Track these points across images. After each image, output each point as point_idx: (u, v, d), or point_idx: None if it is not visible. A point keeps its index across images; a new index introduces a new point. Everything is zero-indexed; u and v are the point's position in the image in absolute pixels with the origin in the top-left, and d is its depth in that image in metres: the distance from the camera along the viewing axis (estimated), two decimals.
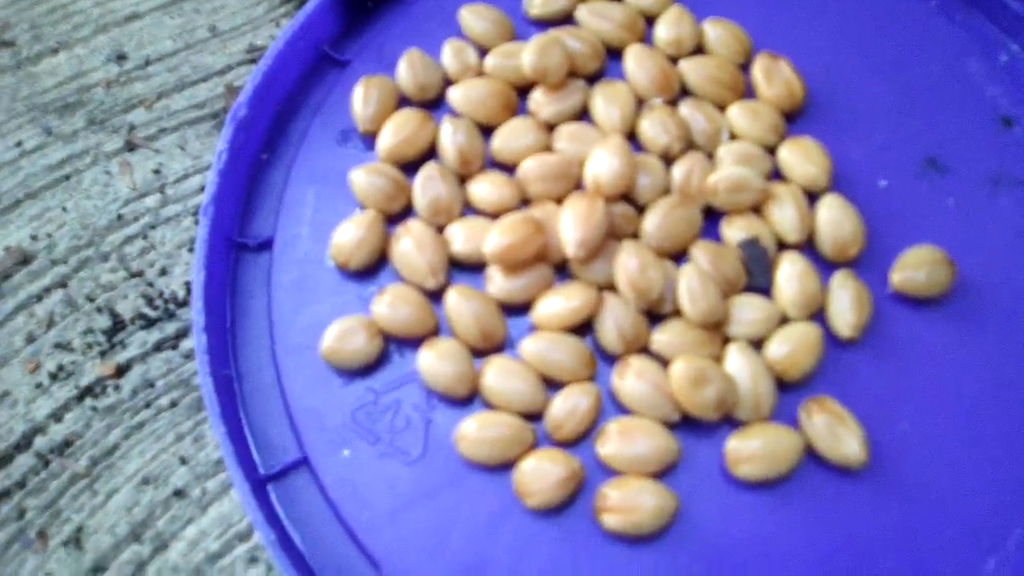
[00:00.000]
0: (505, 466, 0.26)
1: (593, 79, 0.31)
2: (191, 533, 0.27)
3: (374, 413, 0.27)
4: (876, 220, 0.29)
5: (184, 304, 0.29)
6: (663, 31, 0.31)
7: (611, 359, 0.27)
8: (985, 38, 0.33)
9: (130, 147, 0.31)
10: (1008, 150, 0.30)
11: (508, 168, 0.29)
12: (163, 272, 0.30)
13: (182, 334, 0.29)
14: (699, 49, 0.31)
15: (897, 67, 0.32)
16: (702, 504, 0.25)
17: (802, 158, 0.29)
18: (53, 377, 0.28)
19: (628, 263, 0.26)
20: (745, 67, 0.31)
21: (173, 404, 0.28)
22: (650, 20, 0.32)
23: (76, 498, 0.27)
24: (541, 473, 0.25)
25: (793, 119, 0.31)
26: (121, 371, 0.28)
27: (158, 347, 0.29)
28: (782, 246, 0.28)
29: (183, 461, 0.27)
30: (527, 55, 0.29)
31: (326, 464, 0.26)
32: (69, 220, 0.30)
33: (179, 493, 0.27)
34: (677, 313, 0.27)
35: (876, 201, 0.29)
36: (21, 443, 0.28)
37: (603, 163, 0.28)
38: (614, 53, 0.31)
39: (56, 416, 0.28)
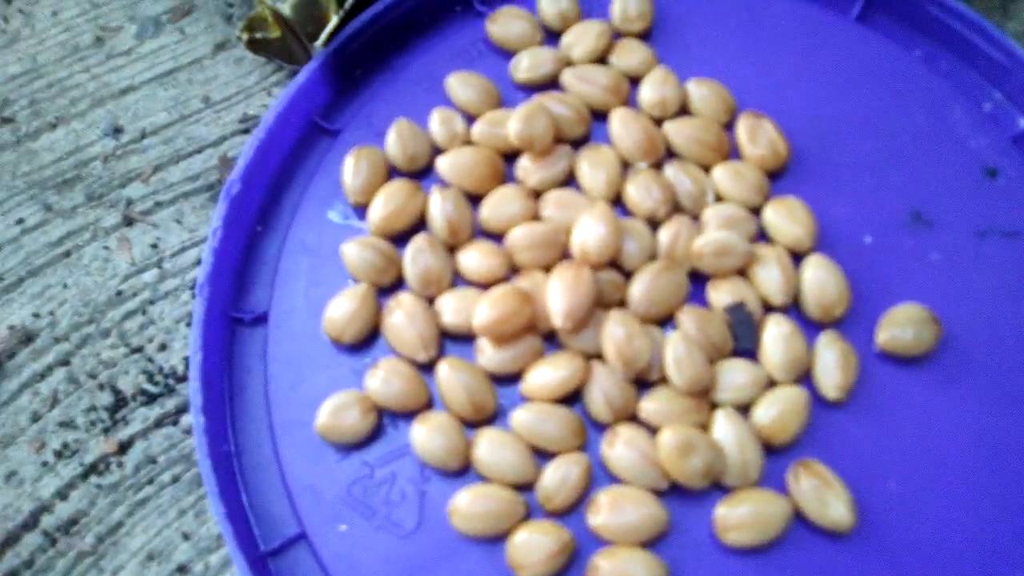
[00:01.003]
0: (498, 538, 0.26)
1: (579, 143, 0.31)
2: None
3: (370, 487, 0.27)
4: (862, 277, 0.29)
5: (184, 379, 0.30)
6: (647, 92, 0.31)
7: (601, 427, 0.27)
8: (969, 87, 0.33)
9: (128, 222, 0.32)
10: (993, 201, 0.31)
11: (497, 236, 0.30)
12: (162, 347, 0.30)
13: (182, 409, 0.30)
14: (684, 109, 0.32)
15: (882, 120, 0.32)
16: (692, 571, 0.26)
17: (787, 218, 0.29)
18: (58, 455, 0.29)
19: (615, 333, 0.27)
20: (730, 126, 0.32)
21: (175, 479, 0.29)
22: (635, 81, 0.32)
23: None
24: (533, 546, 0.25)
25: (778, 177, 0.31)
26: (124, 448, 0.29)
27: (159, 423, 0.29)
28: (768, 308, 0.29)
29: (186, 537, 0.28)
30: (513, 124, 0.30)
31: (324, 539, 0.27)
32: (70, 297, 0.31)
33: (182, 569, 0.28)
34: (664, 380, 0.27)
35: (862, 258, 0.30)
36: (28, 522, 0.28)
37: (589, 231, 0.28)
38: (600, 116, 0.32)
39: (62, 494, 0.29)
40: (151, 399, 0.30)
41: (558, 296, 0.27)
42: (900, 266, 0.30)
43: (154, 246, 0.32)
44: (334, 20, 0.32)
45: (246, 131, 0.34)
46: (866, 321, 0.29)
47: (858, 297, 0.29)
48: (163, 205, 0.33)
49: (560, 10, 0.33)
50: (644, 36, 0.33)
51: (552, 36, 0.33)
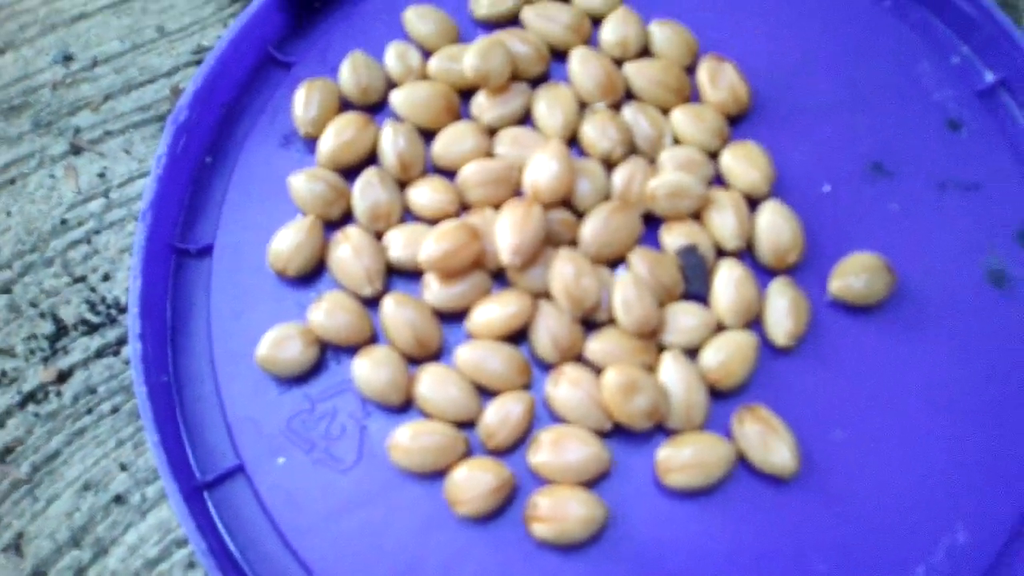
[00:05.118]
0: (438, 474, 0.26)
1: (537, 82, 0.31)
2: (131, 539, 0.27)
3: (310, 421, 0.27)
4: (818, 225, 0.29)
5: (126, 310, 0.29)
6: (609, 33, 0.31)
7: (546, 366, 0.27)
8: (937, 39, 0.32)
9: (75, 150, 0.31)
10: (954, 154, 0.30)
11: (449, 173, 0.29)
12: (106, 277, 0.30)
13: (124, 340, 0.29)
14: (645, 51, 0.31)
15: (847, 68, 0.32)
16: (633, 513, 0.26)
17: (744, 163, 0.29)
18: None
19: (563, 271, 0.26)
20: (692, 68, 0.31)
21: (114, 410, 0.28)
22: (597, 21, 0.32)
23: (17, 504, 0.27)
24: (472, 482, 0.25)
25: (738, 122, 0.30)
26: (63, 377, 0.28)
27: (100, 353, 0.29)
28: (721, 253, 0.28)
29: (123, 467, 0.28)
30: (468, 59, 0.29)
31: (262, 471, 0.26)
32: (14, 224, 0.30)
33: (119, 499, 0.27)
34: (613, 321, 0.27)
35: (819, 206, 0.29)
36: None
37: (542, 169, 0.27)
38: (560, 55, 0.31)
39: None
40: (92, 329, 0.29)
41: (507, 232, 0.27)
42: (857, 215, 0.29)
43: (101, 175, 0.31)
44: None
45: (199, 62, 0.33)
46: (821, 269, 0.28)
47: (813, 245, 0.29)
48: (112, 135, 0.32)
49: None
50: None
51: None
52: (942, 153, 0.30)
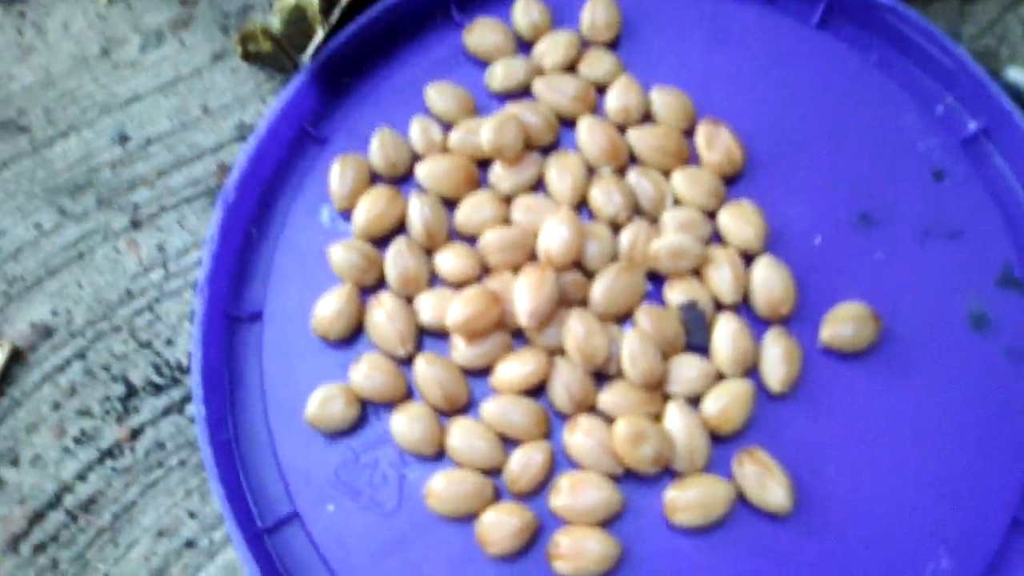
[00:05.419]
0: (469, 517, 0.29)
1: (549, 149, 0.34)
2: None
3: (355, 471, 0.30)
4: (810, 276, 0.32)
5: (188, 371, 0.33)
6: (613, 101, 0.34)
7: (563, 417, 0.30)
8: (922, 90, 0.34)
9: (135, 225, 0.34)
10: (938, 203, 0.33)
11: (471, 239, 0.32)
12: (169, 342, 0.33)
13: (187, 399, 0.32)
14: (647, 115, 0.34)
15: (837, 123, 0.34)
16: (644, 549, 0.29)
17: (740, 221, 0.31)
18: (77, 441, 0.32)
19: (575, 330, 0.29)
20: (691, 131, 0.34)
21: (182, 463, 0.32)
22: (602, 89, 0.34)
23: (102, 550, 0.31)
24: (500, 524, 0.28)
25: (734, 181, 0.33)
26: (135, 434, 0.32)
27: (167, 411, 0.32)
28: (720, 306, 0.31)
29: (192, 515, 0.31)
30: (485, 134, 0.32)
31: (314, 517, 0.30)
32: (84, 295, 0.34)
33: (190, 544, 0.31)
34: (622, 373, 0.30)
35: (811, 257, 0.32)
36: (52, 501, 0.31)
37: (554, 236, 0.30)
38: (569, 122, 0.34)
39: (81, 476, 0.32)
40: (159, 390, 0.33)
41: (524, 296, 0.30)
42: (846, 265, 0.32)
43: (160, 248, 0.35)
44: (320, 34, 0.34)
45: (242, 138, 0.36)
46: (812, 317, 0.31)
47: (805, 295, 0.31)
48: (167, 209, 0.35)
49: (532, 21, 0.35)
50: (612, 44, 0.35)
51: (525, 45, 0.36)
52: (926, 202, 0.33)
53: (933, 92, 0.34)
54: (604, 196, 0.32)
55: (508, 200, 0.33)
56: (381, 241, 0.33)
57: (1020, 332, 0.31)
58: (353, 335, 0.32)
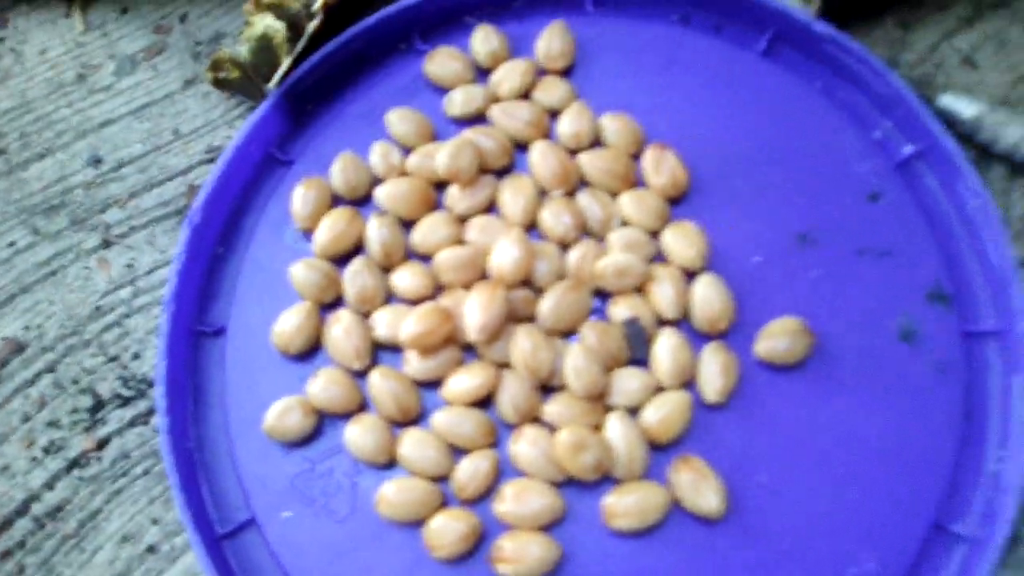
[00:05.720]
0: (419, 523, 0.30)
1: (504, 172, 0.35)
2: None
3: (310, 479, 0.31)
4: (748, 293, 0.33)
5: (154, 384, 0.34)
6: (565, 126, 0.35)
7: (510, 427, 0.31)
8: (861, 116, 0.36)
9: (106, 244, 0.36)
10: (872, 223, 0.34)
11: (426, 258, 0.34)
12: (136, 356, 0.35)
13: (153, 411, 0.34)
14: (598, 140, 0.35)
15: (781, 147, 0.35)
16: (583, 552, 0.30)
17: (682, 241, 0.33)
18: (46, 451, 0.33)
19: (522, 345, 0.31)
20: (638, 155, 0.35)
21: (146, 472, 0.33)
22: (555, 114, 0.36)
23: (67, 555, 0.32)
24: (447, 529, 0.30)
25: (678, 203, 0.35)
26: (102, 444, 0.33)
27: (133, 423, 0.34)
28: (662, 322, 0.32)
29: (155, 521, 0.32)
30: (441, 158, 0.34)
31: (271, 523, 0.31)
32: (56, 311, 0.35)
33: (152, 549, 0.32)
34: (566, 386, 0.31)
35: (750, 275, 0.33)
36: (20, 509, 0.33)
37: (505, 255, 0.32)
38: (523, 147, 0.35)
39: (49, 485, 0.33)
40: (126, 402, 0.34)
41: (475, 312, 0.31)
42: (783, 282, 0.33)
43: (129, 266, 0.36)
44: (285, 63, 0.35)
45: (211, 160, 0.38)
46: (749, 332, 0.32)
47: (743, 311, 0.33)
48: (137, 229, 0.37)
49: (491, 49, 0.37)
50: (566, 72, 0.37)
51: (483, 72, 0.37)
52: (862, 222, 0.34)
53: (872, 118, 0.36)
54: (554, 217, 0.33)
55: (463, 221, 0.34)
56: (341, 260, 0.34)
57: (947, 346, 0.32)
58: (312, 350, 0.33)
